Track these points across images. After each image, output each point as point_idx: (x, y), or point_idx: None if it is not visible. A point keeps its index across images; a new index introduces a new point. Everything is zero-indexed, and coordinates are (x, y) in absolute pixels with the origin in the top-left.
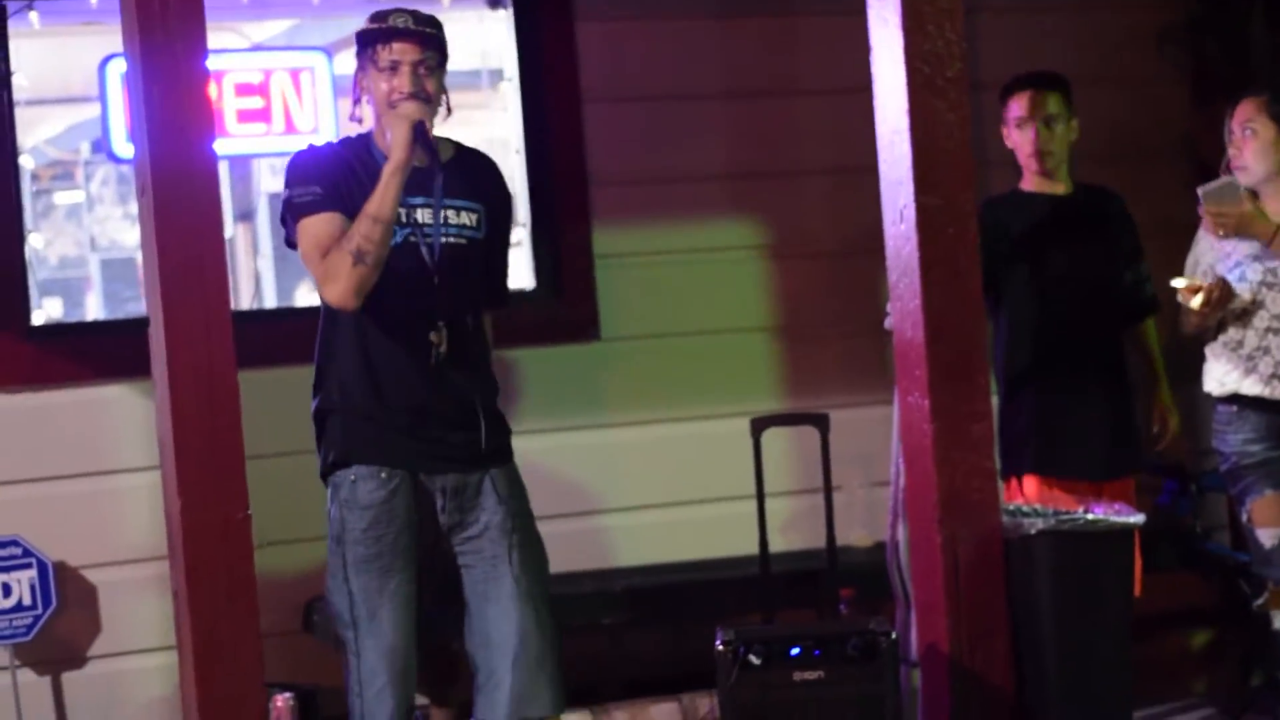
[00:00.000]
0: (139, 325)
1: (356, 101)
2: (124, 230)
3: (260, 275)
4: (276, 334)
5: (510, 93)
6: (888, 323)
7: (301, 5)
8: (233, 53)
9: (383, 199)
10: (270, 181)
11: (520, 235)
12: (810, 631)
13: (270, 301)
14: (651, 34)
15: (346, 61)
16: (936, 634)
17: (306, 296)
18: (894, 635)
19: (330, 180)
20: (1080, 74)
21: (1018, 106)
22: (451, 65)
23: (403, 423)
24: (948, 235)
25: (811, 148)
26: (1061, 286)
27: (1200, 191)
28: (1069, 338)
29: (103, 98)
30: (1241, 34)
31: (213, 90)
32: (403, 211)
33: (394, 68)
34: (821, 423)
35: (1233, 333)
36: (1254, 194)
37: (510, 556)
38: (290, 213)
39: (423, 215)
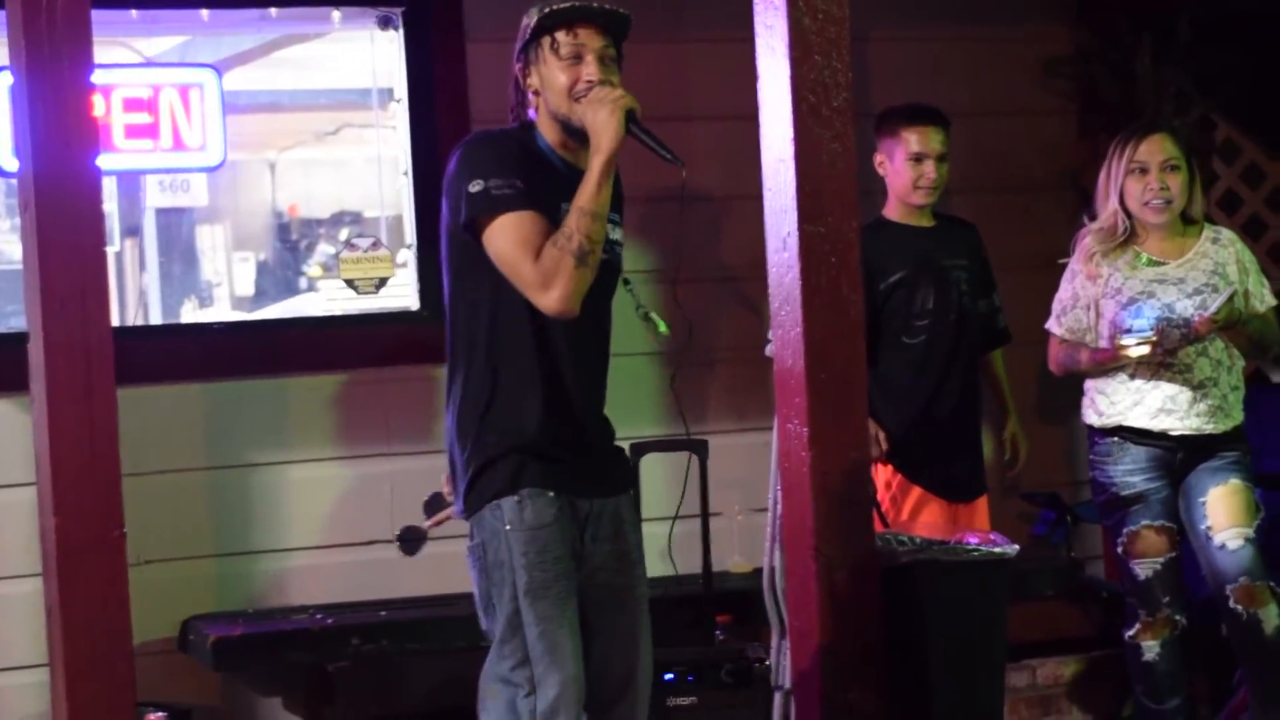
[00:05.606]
0: (20, 340)
1: (521, 101)
2: (12, 244)
3: (146, 291)
4: (161, 351)
5: (400, 113)
6: (769, 349)
7: (193, 22)
8: (122, 68)
9: (597, 190)
10: (158, 197)
11: (406, 256)
12: (685, 657)
13: (155, 318)
14: None
15: (236, 78)
16: (810, 661)
17: (192, 313)
18: (768, 662)
19: (527, 175)
20: (967, 105)
21: (916, 142)
22: (341, 84)
23: (559, 446)
24: (830, 264)
25: (698, 173)
26: (927, 316)
27: (1216, 310)
28: (935, 367)
29: None
30: (1128, 67)
31: (100, 105)
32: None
33: (578, 56)
34: (700, 449)
35: (1125, 366)
36: (1134, 232)
37: (637, 589)
38: (485, 205)
39: None
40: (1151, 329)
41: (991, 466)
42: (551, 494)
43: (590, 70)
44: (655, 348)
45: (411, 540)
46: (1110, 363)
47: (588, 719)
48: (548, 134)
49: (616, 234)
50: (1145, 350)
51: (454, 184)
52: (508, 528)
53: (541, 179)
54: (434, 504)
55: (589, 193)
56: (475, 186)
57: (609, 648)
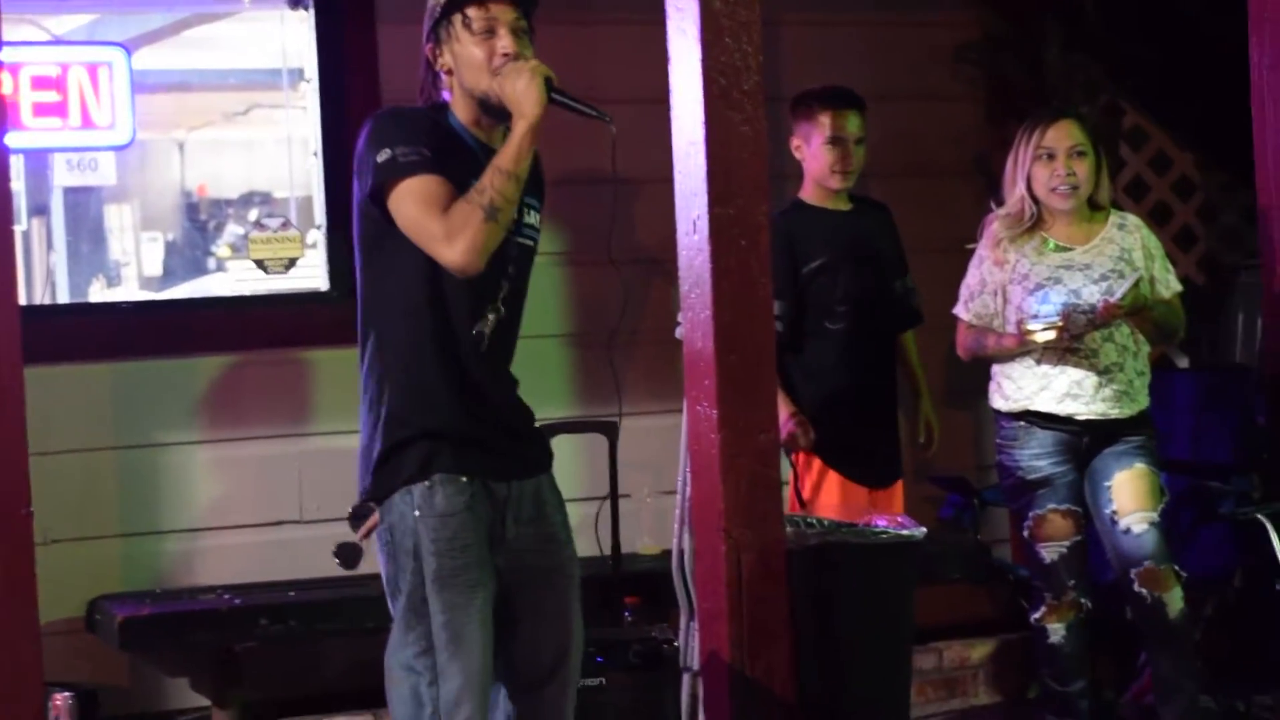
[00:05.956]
0: None
1: (433, 82)
2: None
3: (54, 270)
4: (68, 330)
5: (310, 93)
6: (679, 332)
7: (103, 0)
8: (30, 45)
9: (518, 154)
10: (66, 176)
11: (315, 237)
12: (593, 638)
13: (63, 297)
14: None
15: (145, 57)
16: (719, 642)
17: (100, 293)
18: (676, 643)
19: (433, 146)
20: (876, 89)
21: (831, 126)
22: (252, 64)
23: (473, 428)
24: (740, 247)
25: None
26: (848, 298)
27: (1121, 296)
28: (853, 348)
29: None
30: (1037, 54)
31: (8, 83)
32: None
33: (491, 30)
34: (610, 430)
35: (1031, 351)
36: (1040, 217)
37: (566, 569)
38: (391, 172)
39: None
40: (1058, 314)
41: (905, 450)
42: (464, 479)
43: (505, 43)
44: (564, 330)
45: (349, 557)
46: (1017, 348)
47: (521, 697)
48: (461, 113)
49: (533, 218)
50: (1051, 335)
51: (362, 158)
52: (416, 513)
53: (453, 155)
54: (358, 514)
55: (509, 154)
56: (382, 156)
57: (536, 629)
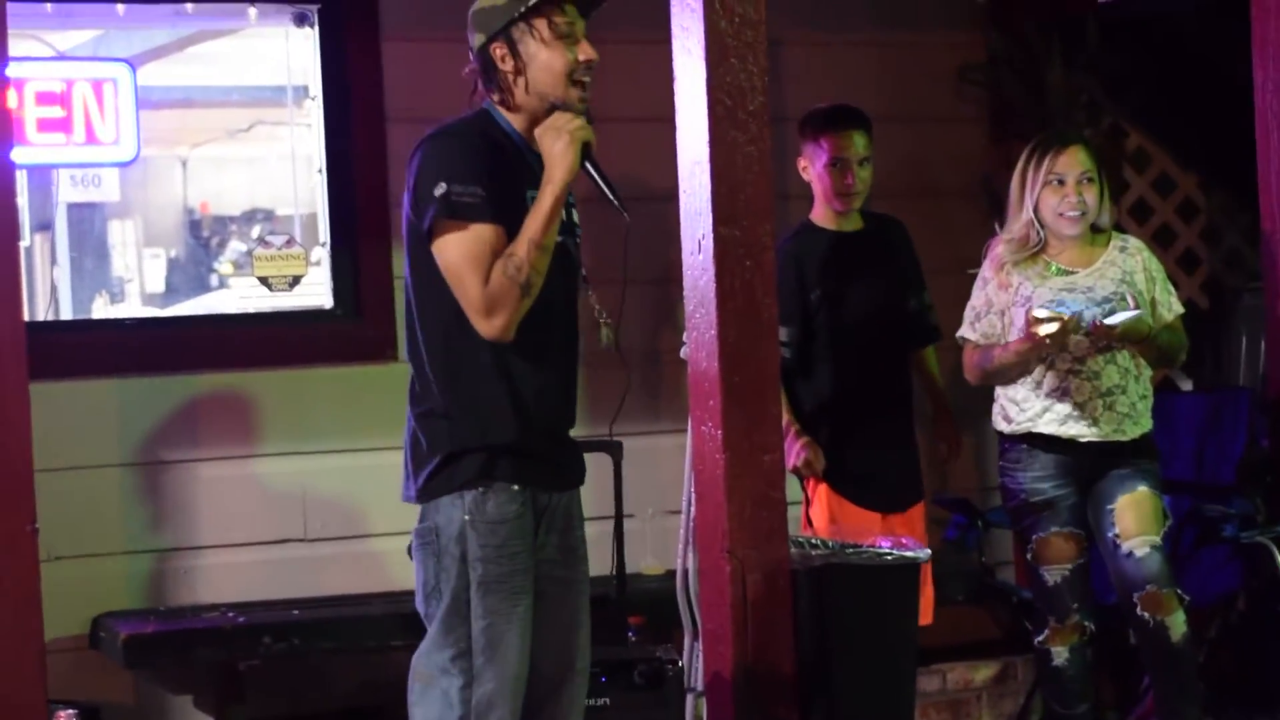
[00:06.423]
0: None
1: (486, 86)
2: None
3: (57, 286)
4: (72, 346)
5: (314, 110)
6: (684, 352)
7: (107, 16)
8: (35, 61)
9: (546, 224)
10: (70, 192)
11: (320, 254)
12: (597, 658)
13: (66, 313)
14: (459, 56)
15: (150, 73)
16: (722, 663)
17: (104, 309)
18: (681, 664)
19: (491, 181)
20: (881, 110)
21: (834, 147)
22: (256, 81)
23: (529, 438)
24: (745, 267)
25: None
26: (858, 321)
27: (1115, 322)
28: (865, 371)
29: None
30: (1039, 74)
31: (13, 99)
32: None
33: (573, 37)
34: (615, 450)
35: (1034, 372)
36: (1045, 242)
37: (580, 584)
38: (445, 212)
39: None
40: (1069, 315)
41: (925, 468)
42: (516, 488)
43: (587, 49)
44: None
45: None
46: (1026, 349)
47: (543, 705)
48: (517, 119)
49: (576, 216)
50: (1054, 328)
51: (418, 184)
52: (467, 518)
53: (508, 172)
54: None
55: (539, 224)
56: (439, 190)
57: (545, 643)
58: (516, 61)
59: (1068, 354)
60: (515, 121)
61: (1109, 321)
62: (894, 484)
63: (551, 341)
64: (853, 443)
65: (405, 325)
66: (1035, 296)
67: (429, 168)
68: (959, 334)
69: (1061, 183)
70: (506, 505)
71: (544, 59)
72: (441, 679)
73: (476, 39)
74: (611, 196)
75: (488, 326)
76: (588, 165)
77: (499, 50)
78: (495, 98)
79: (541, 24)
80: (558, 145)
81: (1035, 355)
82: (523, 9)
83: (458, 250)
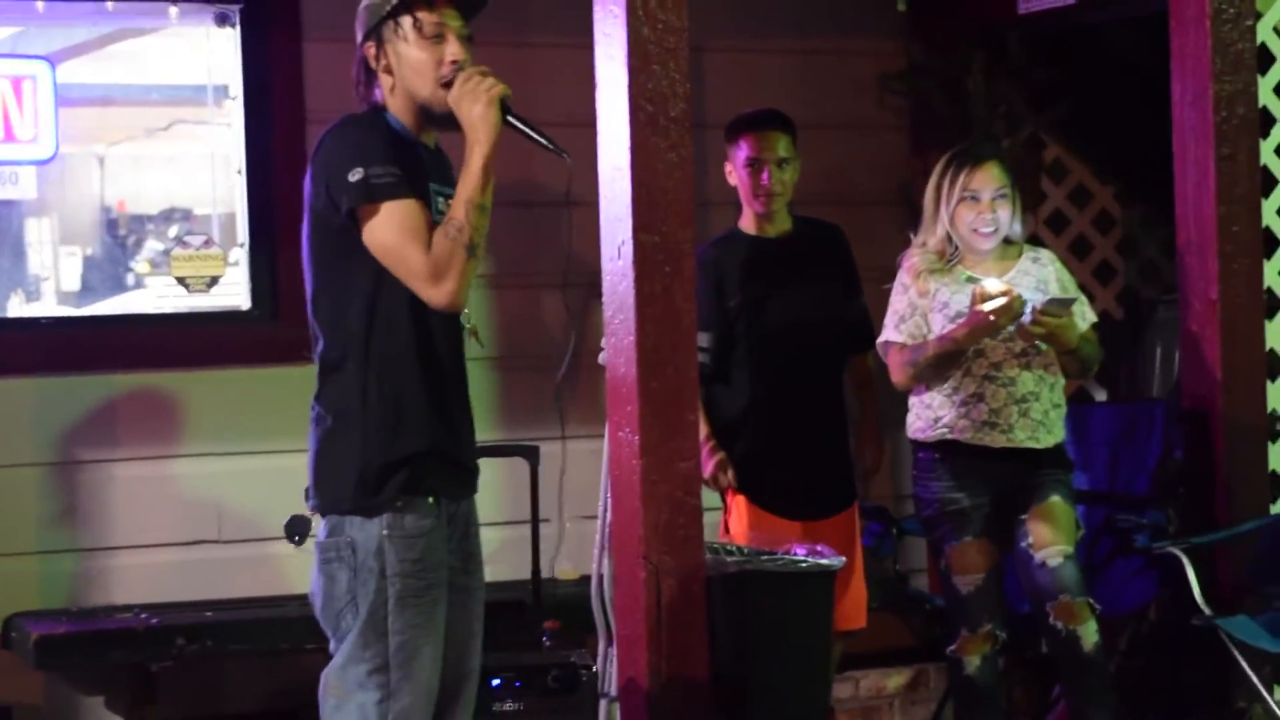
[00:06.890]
0: None
1: (367, 83)
2: None
3: None
4: None
5: (235, 110)
6: (602, 357)
7: (27, 13)
8: None
9: (482, 184)
10: None
11: (238, 255)
12: (512, 663)
13: None
14: None
15: (70, 70)
16: (637, 668)
17: (19, 307)
18: (595, 669)
19: (401, 163)
20: (802, 117)
21: (750, 147)
22: (178, 79)
23: (447, 448)
24: (664, 273)
25: (536, 179)
26: (781, 328)
27: (1043, 304)
28: (787, 378)
29: None
30: (961, 84)
31: None
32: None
33: (441, 35)
34: (531, 454)
35: (949, 379)
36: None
37: (478, 592)
38: (367, 194)
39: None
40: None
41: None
42: (431, 500)
43: (454, 49)
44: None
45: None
46: (966, 336)
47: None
48: (401, 115)
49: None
50: (1001, 302)
51: (328, 171)
52: (385, 533)
53: (409, 163)
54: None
55: (473, 185)
56: (354, 175)
57: (447, 652)
58: (386, 61)
59: (984, 359)
60: (402, 119)
61: (1051, 299)
62: (816, 492)
63: (448, 346)
64: (771, 450)
65: (311, 326)
66: (952, 302)
67: (340, 157)
68: (880, 339)
69: (976, 199)
70: (424, 518)
71: (411, 58)
72: (358, 694)
73: (359, 38)
74: (545, 142)
75: (437, 293)
76: (511, 119)
77: (371, 49)
78: (375, 95)
79: (408, 23)
80: (476, 109)
81: (978, 339)
82: (388, 8)
83: (390, 226)
